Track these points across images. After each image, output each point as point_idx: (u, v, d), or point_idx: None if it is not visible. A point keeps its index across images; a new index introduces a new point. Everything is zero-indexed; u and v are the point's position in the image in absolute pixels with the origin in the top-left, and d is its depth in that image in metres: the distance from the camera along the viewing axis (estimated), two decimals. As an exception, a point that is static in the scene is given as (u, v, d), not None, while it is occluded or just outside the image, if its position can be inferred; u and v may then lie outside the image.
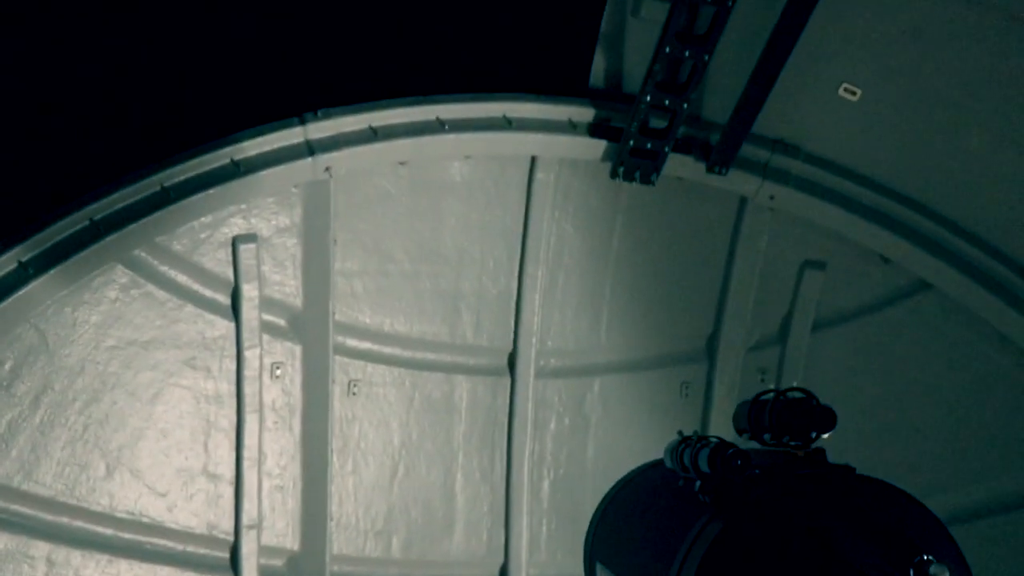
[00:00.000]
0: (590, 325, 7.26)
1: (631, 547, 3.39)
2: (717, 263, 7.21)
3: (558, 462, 7.33)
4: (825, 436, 2.98)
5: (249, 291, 6.45)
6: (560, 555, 7.33)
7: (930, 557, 2.55)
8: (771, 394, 3.10)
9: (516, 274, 7.05)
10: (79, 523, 6.18)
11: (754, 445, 3.23)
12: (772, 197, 6.75)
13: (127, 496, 6.36)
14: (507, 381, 7.19)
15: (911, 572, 2.55)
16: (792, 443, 3.00)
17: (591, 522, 3.79)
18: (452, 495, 7.19)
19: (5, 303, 5.58)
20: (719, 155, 6.57)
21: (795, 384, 3.02)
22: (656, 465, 3.58)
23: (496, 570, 7.28)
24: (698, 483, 3.03)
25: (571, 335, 7.25)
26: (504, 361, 7.21)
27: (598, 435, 7.34)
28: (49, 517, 6.07)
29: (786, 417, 2.97)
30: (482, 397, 7.19)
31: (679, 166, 6.68)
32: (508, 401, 7.21)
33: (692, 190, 6.93)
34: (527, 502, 7.24)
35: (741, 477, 2.90)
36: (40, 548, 6.04)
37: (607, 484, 7.27)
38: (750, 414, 3.12)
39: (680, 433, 3.42)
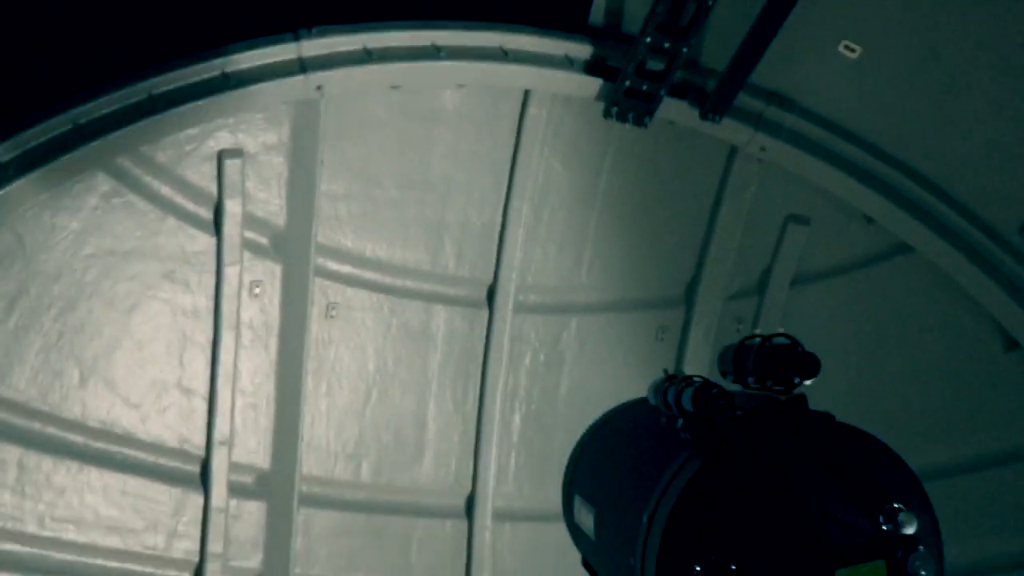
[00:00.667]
0: (572, 263, 7.26)
1: (610, 480, 3.40)
2: (702, 211, 7.20)
3: (530, 397, 7.38)
4: (808, 383, 3.00)
5: (232, 207, 6.36)
6: (527, 488, 7.42)
7: (900, 505, 2.56)
8: (757, 339, 3.11)
9: (501, 207, 6.99)
10: (51, 430, 6.15)
11: (737, 388, 3.27)
12: (763, 148, 6.72)
13: (100, 406, 6.34)
14: (485, 314, 7.18)
15: (880, 518, 2.56)
16: (775, 388, 3.02)
17: (571, 454, 3.80)
18: (424, 423, 7.23)
19: (-15, 204, 5.47)
20: (714, 103, 6.50)
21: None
22: (639, 403, 3.60)
23: (463, 499, 7.36)
24: (680, 421, 3.02)
25: (552, 272, 7.24)
26: (484, 294, 7.19)
27: (572, 373, 7.38)
28: (21, 422, 6.04)
29: (770, 362, 2.96)
30: (459, 328, 7.19)
31: (673, 110, 6.62)
32: (485, 334, 7.21)
33: (683, 136, 6.88)
34: (497, 434, 7.30)
35: (723, 417, 2.93)
36: (11, 452, 6.03)
37: (577, 422, 7.30)
38: (735, 357, 3.12)
39: (665, 371, 3.44)
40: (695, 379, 3.14)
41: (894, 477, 2.71)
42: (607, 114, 6.57)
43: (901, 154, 6.56)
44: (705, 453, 2.72)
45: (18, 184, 5.56)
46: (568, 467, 3.86)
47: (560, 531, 7.91)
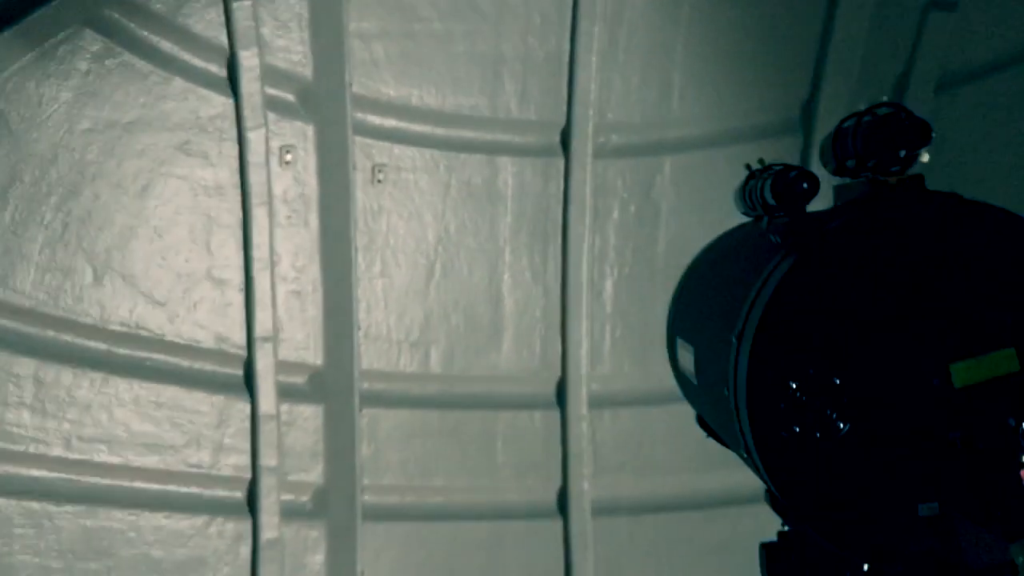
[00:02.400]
0: (659, 93, 7.16)
1: (705, 311, 3.43)
2: (815, 9, 6.99)
3: (623, 258, 7.34)
4: (923, 158, 2.90)
5: (248, 59, 6.39)
6: (627, 367, 7.42)
7: None
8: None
9: (568, 32, 6.91)
10: (67, 337, 6.32)
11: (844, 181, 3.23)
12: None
13: (120, 306, 6.48)
14: (560, 162, 7.15)
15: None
16: (890, 169, 2.94)
17: (672, 298, 3.79)
18: (499, 298, 7.26)
19: (-44, 75, 5.54)
20: None
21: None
22: (742, 225, 3.54)
23: (552, 386, 7.38)
24: (766, 220, 3.04)
25: (636, 105, 7.16)
26: (556, 138, 7.14)
27: (670, 225, 7.31)
28: (32, 330, 6.21)
29: (871, 136, 2.88)
30: (531, 182, 7.18)
31: None
32: (562, 187, 7.18)
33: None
34: (587, 306, 7.29)
35: (810, 206, 2.91)
36: (25, 365, 6.23)
37: (681, 283, 7.33)
38: (834, 144, 3.07)
39: (747, 167, 3.42)
40: (775, 167, 3.09)
41: None
42: None
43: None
44: (796, 252, 2.69)
45: (-8, 48, 5.63)
46: (669, 311, 3.85)
47: (669, 415, 7.94)
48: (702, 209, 7.27)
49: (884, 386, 2.55)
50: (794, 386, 2.56)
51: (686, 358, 3.49)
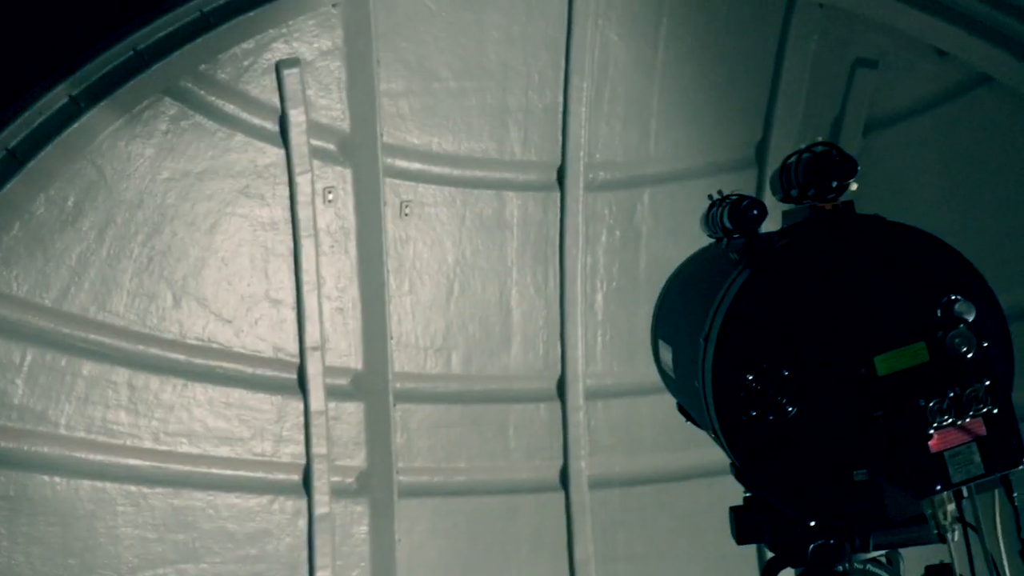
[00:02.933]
0: (638, 136, 7.27)
1: (680, 316, 3.53)
2: (765, 67, 7.12)
3: (611, 274, 7.49)
4: (852, 187, 3.03)
5: (296, 116, 6.53)
6: (616, 365, 7.58)
7: (957, 296, 2.63)
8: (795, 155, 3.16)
9: (562, 86, 7.02)
10: (154, 350, 6.51)
11: (789, 208, 3.33)
12: (824, -9, 6.59)
13: (195, 324, 6.66)
14: (557, 196, 7.27)
15: (937, 312, 2.63)
16: (827, 197, 3.07)
17: (655, 306, 3.94)
18: (508, 310, 7.40)
19: (62, 137, 5.72)
20: (769, -51, 6.39)
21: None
22: (709, 246, 3.70)
23: (554, 382, 7.54)
24: (725, 241, 3.16)
25: (619, 147, 7.27)
26: (553, 176, 7.26)
27: (649, 246, 7.45)
28: (126, 345, 6.40)
29: (810, 170, 3.02)
30: (533, 213, 7.30)
31: (727, -38, 6.53)
32: (559, 216, 7.30)
33: (739, -10, 6.78)
34: (581, 314, 7.44)
35: (761, 229, 3.02)
36: (121, 374, 6.42)
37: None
38: (780, 176, 3.18)
39: (709, 196, 3.54)
40: (731, 197, 3.24)
41: (949, 269, 2.75)
42: (660, -26, 6.51)
43: (970, -24, 6.38)
44: (751, 267, 2.83)
45: (90, 115, 5.81)
46: (652, 316, 4.02)
47: (653, 404, 8.09)
48: (676, 232, 7.42)
49: (823, 375, 2.68)
50: (750, 378, 2.69)
51: (666, 356, 3.64)
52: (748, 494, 3.15)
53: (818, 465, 2.73)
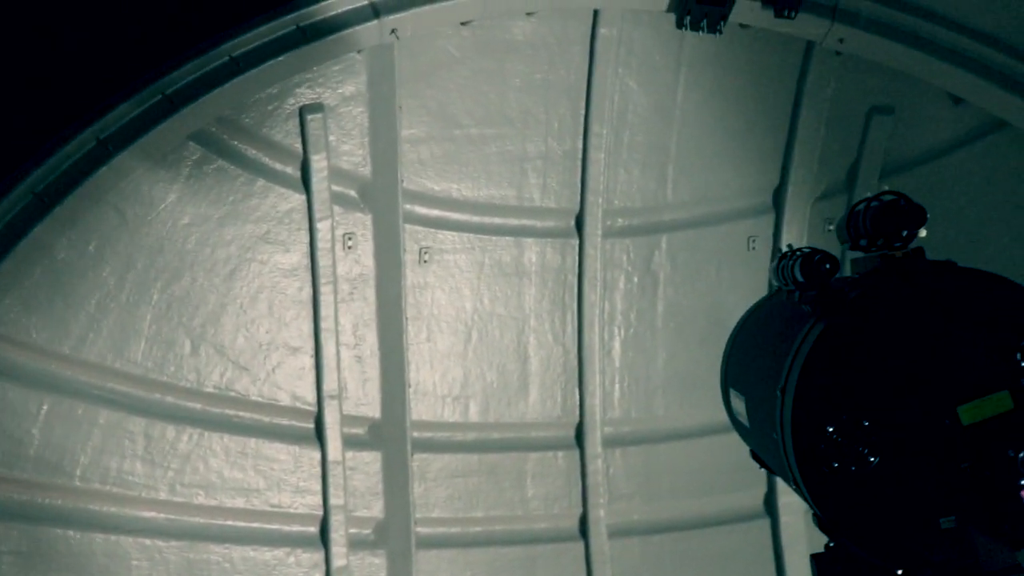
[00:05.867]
0: (656, 183, 7.32)
1: (753, 365, 3.54)
2: (783, 114, 7.21)
3: (628, 321, 7.50)
4: (921, 234, 3.06)
5: (318, 162, 6.52)
6: (633, 412, 7.57)
7: None
8: (864, 203, 3.19)
9: (581, 134, 7.06)
10: (170, 399, 6.43)
11: (858, 255, 3.37)
12: (841, 40, 6.70)
13: (213, 371, 6.59)
14: (575, 242, 7.30)
15: (1017, 356, 2.68)
16: (894, 245, 3.10)
17: (724, 354, 3.95)
18: (526, 358, 7.39)
19: (90, 181, 5.68)
20: (788, -2, 6.50)
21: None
22: (775, 293, 3.72)
23: (572, 430, 7.51)
24: (797, 294, 3.18)
25: (637, 193, 7.31)
26: (572, 223, 7.29)
27: (667, 292, 7.47)
28: (142, 394, 6.32)
29: (878, 219, 3.05)
30: (551, 259, 7.31)
31: (746, 12, 6.63)
32: (577, 262, 7.32)
33: (757, 39, 6.89)
34: (599, 361, 7.43)
35: (834, 280, 3.05)
36: (137, 423, 6.33)
37: (676, 339, 7.49)
38: (848, 224, 3.22)
39: (778, 249, 3.57)
40: (803, 250, 3.27)
41: None
42: (680, 24, 6.60)
43: (985, 26, 6.51)
44: (825, 319, 2.85)
45: (117, 160, 5.77)
46: (722, 366, 4.02)
47: (671, 451, 8.04)
48: (693, 279, 7.48)
49: (905, 426, 2.69)
50: (831, 430, 2.71)
51: (739, 405, 3.63)
52: (831, 543, 3.07)
53: (903, 514, 2.73)
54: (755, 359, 3.51)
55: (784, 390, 2.90)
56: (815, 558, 3.18)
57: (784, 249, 3.50)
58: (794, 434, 2.81)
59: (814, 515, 3.05)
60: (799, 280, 3.20)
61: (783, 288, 3.47)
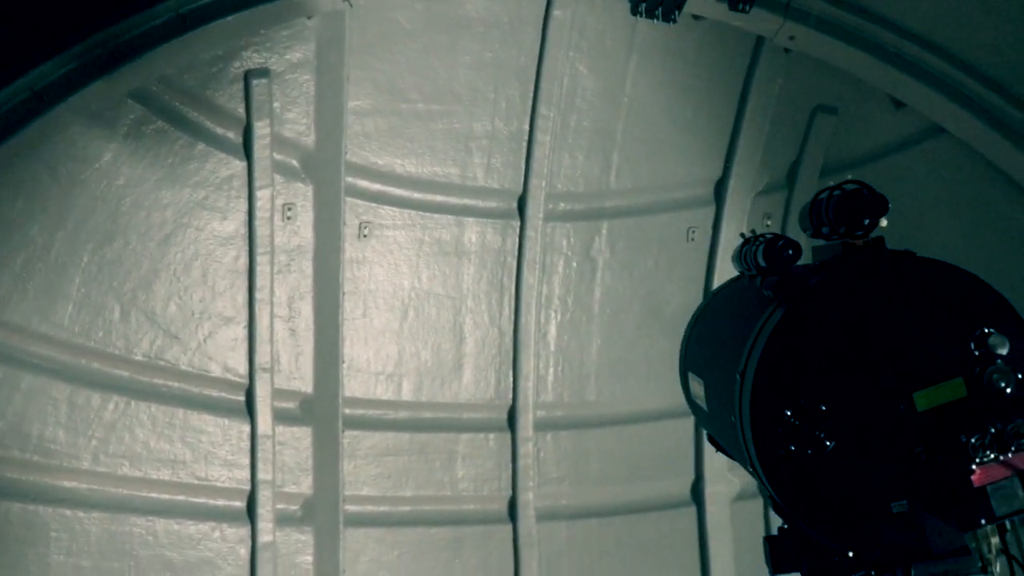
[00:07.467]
0: (600, 169, 7.34)
1: (712, 350, 3.58)
2: (729, 108, 7.28)
3: (565, 305, 7.52)
4: (883, 223, 3.11)
5: (261, 128, 6.41)
6: (566, 396, 7.60)
7: (990, 329, 2.73)
8: (826, 192, 3.25)
9: (528, 115, 7.05)
10: (97, 365, 6.26)
11: (820, 244, 3.43)
12: (792, 37, 6.80)
13: (143, 339, 6.44)
14: (516, 224, 7.30)
15: (971, 345, 2.73)
16: (855, 234, 3.15)
17: (683, 338, 3.98)
18: (461, 338, 7.37)
19: (22, 134, 5.48)
20: (743, -8, 6.57)
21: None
22: (736, 278, 3.77)
23: (504, 412, 7.52)
24: (759, 279, 3.24)
25: (581, 178, 7.33)
26: (514, 204, 7.29)
27: (605, 278, 7.52)
28: (68, 359, 6.14)
29: (841, 207, 3.10)
30: (491, 240, 7.31)
31: (700, 4, 6.67)
32: (517, 244, 7.32)
33: (708, 31, 6.94)
34: (534, 345, 7.45)
35: (797, 267, 3.10)
36: (61, 390, 6.15)
37: (612, 326, 7.55)
38: (811, 212, 3.27)
39: (742, 235, 3.61)
40: (765, 236, 3.32)
41: (981, 302, 2.85)
42: (635, 11, 6.63)
43: (931, 34, 6.65)
44: (786, 304, 2.90)
45: (52, 113, 5.58)
46: (681, 349, 4.06)
47: (602, 437, 8.13)
48: (632, 266, 7.54)
49: (861, 411, 2.74)
50: (788, 413, 2.74)
51: (697, 389, 3.66)
52: (784, 525, 3.14)
53: (856, 498, 2.78)
54: (715, 343, 3.55)
55: (743, 373, 2.94)
56: (768, 540, 3.23)
57: (745, 235, 3.55)
58: (752, 417, 2.84)
59: (768, 497, 3.10)
60: (761, 265, 3.25)
61: (745, 273, 3.51)
